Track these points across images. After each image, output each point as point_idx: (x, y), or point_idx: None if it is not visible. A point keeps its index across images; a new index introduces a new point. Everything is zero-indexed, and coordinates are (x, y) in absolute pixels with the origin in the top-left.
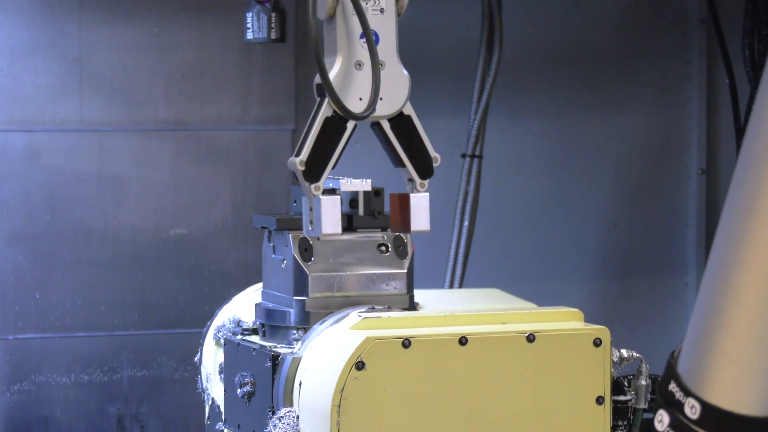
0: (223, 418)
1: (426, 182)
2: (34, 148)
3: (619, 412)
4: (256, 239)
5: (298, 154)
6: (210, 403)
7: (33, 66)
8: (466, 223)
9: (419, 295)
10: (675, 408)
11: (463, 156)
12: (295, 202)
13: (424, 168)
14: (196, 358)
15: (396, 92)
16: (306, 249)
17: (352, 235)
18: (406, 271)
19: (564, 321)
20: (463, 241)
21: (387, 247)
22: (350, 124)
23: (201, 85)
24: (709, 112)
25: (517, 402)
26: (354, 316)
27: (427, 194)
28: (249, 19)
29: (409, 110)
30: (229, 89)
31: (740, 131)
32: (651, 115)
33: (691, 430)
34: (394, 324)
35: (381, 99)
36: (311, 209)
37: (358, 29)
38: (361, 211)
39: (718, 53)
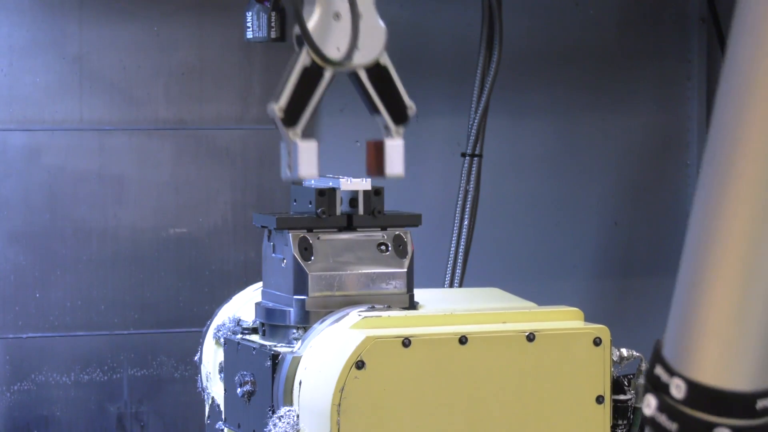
0: (223, 417)
1: (401, 129)
2: (34, 148)
3: (619, 411)
4: (256, 238)
5: (276, 101)
6: (210, 402)
7: (33, 65)
8: (466, 223)
9: (419, 294)
10: (661, 391)
11: (463, 155)
12: (295, 201)
13: (399, 116)
14: (196, 358)
15: (373, 42)
16: (306, 248)
17: (352, 234)
18: (406, 270)
19: (564, 320)
20: (463, 240)
21: (387, 246)
22: (328, 73)
23: (201, 84)
24: (709, 111)
25: (517, 401)
26: (354, 315)
27: (402, 141)
28: (249, 19)
29: (385, 60)
30: (229, 88)
31: None
32: (651, 114)
33: (678, 411)
34: (394, 323)
35: (358, 49)
36: (289, 154)
37: None
38: (361, 210)
39: (718, 52)
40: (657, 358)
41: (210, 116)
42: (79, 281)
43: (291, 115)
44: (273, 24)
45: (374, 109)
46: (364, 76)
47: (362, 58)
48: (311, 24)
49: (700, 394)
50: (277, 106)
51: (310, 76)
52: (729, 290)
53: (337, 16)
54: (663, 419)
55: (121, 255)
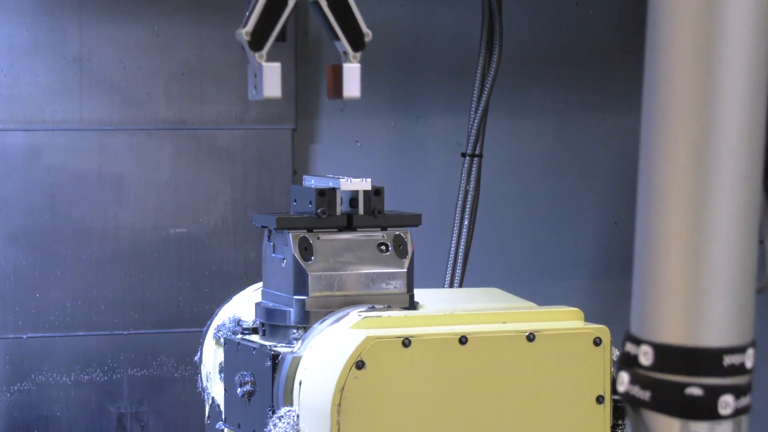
0: (223, 417)
1: (358, 54)
2: (34, 147)
3: (619, 411)
4: (256, 238)
5: (244, 26)
6: (210, 402)
7: (33, 65)
8: (466, 223)
9: (419, 294)
10: (632, 365)
11: (463, 155)
12: (295, 201)
13: (357, 42)
14: (196, 358)
15: None
16: (306, 248)
17: (352, 234)
18: (406, 270)
19: (564, 320)
20: (463, 240)
21: (387, 246)
22: (291, 1)
23: (201, 84)
24: None
25: (517, 401)
26: (354, 315)
27: (359, 65)
28: None
29: None
30: (229, 88)
31: None
32: None
33: (649, 378)
34: (394, 323)
35: None
36: (255, 76)
37: None
38: (361, 210)
39: None
40: (626, 335)
41: (210, 116)
42: (79, 281)
43: (257, 40)
44: None
45: (334, 36)
46: (324, 4)
47: None
48: None
49: (667, 356)
50: (245, 31)
51: (275, 3)
52: (681, 248)
53: None
54: (636, 390)
55: (121, 255)
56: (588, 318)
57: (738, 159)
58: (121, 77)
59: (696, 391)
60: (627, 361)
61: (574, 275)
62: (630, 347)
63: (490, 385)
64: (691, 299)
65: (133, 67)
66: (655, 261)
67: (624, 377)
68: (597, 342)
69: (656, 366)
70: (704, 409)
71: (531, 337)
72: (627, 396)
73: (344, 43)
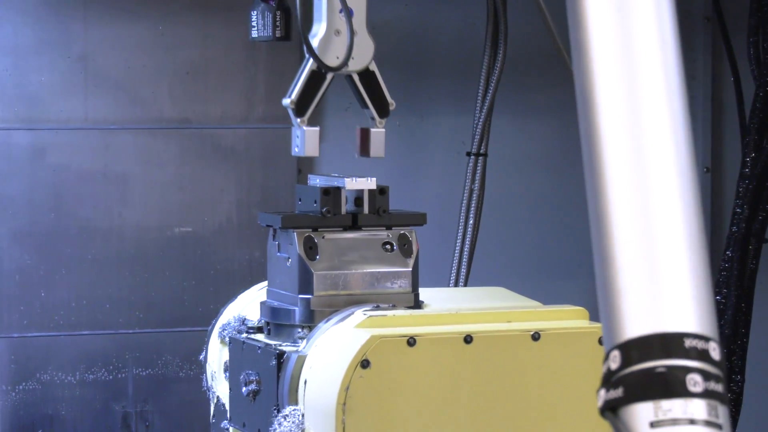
0: (228, 416)
1: (384, 120)
2: (39, 147)
3: None
4: (261, 237)
5: (289, 96)
6: (215, 401)
7: (37, 64)
8: (471, 222)
9: (424, 293)
10: (607, 377)
11: (468, 154)
12: (300, 200)
13: (382, 110)
14: (201, 357)
15: (364, 53)
16: (311, 247)
17: (356, 233)
18: (411, 269)
19: (569, 319)
20: (468, 239)
21: (392, 245)
22: (329, 76)
23: (205, 83)
24: (714, 111)
25: (522, 400)
26: (359, 314)
27: (384, 130)
28: (253, 18)
29: (373, 67)
30: (234, 88)
31: (745, 130)
32: None
33: (619, 376)
34: (399, 322)
35: (353, 58)
36: (298, 137)
37: (338, 5)
38: (366, 209)
39: (723, 51)
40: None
41: (215, 115)
42: (83, 280)
43: (300, 107)
44: (278, 23)
45: (364, 105)
46: (356, 79)
47: (355, 65)
48: (317, 39)
49: (632, 349)
50: (290, 100)
51: (316, 77)
52: (621, 244)
53: (337, 32)
54: (611, 394)
55: (126, 254)
56: (593, 317)
57: (676, 153)
58: (125, 76)
59: (662, 370)
60: (602, 380)
61: (579, 274)
62: (604, 366)
63: (495, 384)
64: (646, 293)
65: (138, 67)
66: (608, 266)
67: (601, 392)
68: (602, 341)
69: (624, 363)
70: (674, 385)
71: (536, 336)
72: (605, 405)
73: (372, 111)
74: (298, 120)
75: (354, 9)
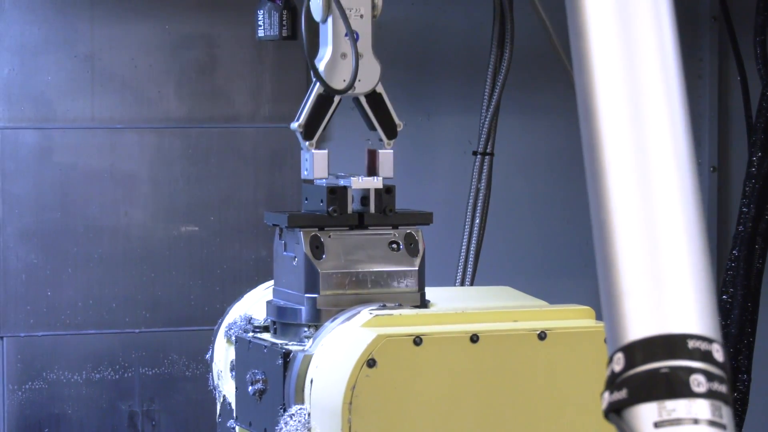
0: (234, 415)
1: (392, 142)
2: (46, 146)
3: None
4: (268, 237)
5: (297, 120)
6: (221, 400)
7: (44, 63)
8: (477, 221)
9: (430, 292)
10: (609, 378)
11: (475, 153)
12: (307, 199)
13: (390, 131)
14: (207, 356)
15: (370, 76)
16: (317, 246)
17: (363, 232)
18: (417, 268)
19: (575, 319)
20: (474, 238)
21: (398, 244)
22: (336, 98)
23: (212, 82)
24: (721, 110)
25: (529, 399)
26: (365, 313)
27: (392, 151)
28: (260, 17)
29: (380, 89)
30: (241, 87)
31: (752, 129)
32: None
33: (622, 378)
34: (405, 321)
35: (359, 81)
36: (306, 160)
37: (343, 29)
38: (372, 208)
39: (730, 51)
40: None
41: (221, 114)
42: (90, 280)
43: (308, 130)
44: (284, 22)
45: (371, 127)
46: (363, 101)
47: (362, 88)
48: (323, 62)
49: (635, 351)
50: (298, 124)
51: (323, 101)
52: (631, 248)
53: (343, 56)
54: (614, 396)
55: (133, 253)
56: (599, 316)
57: (677, 157)
58: (132, 75)
59: (666, 371)
60: (606, 383)
61: (585, 274)
62: (607, 369)
63: (502, 383)
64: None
65: (145, 66)
66: (610, 269)
67: (605, 395)
68: None
69: (628, 365)
70: (677, 386)
71: (542, 336)
72: (609, 408)
73: (380, 133)
74: (307, 143)
75: (359, 32)
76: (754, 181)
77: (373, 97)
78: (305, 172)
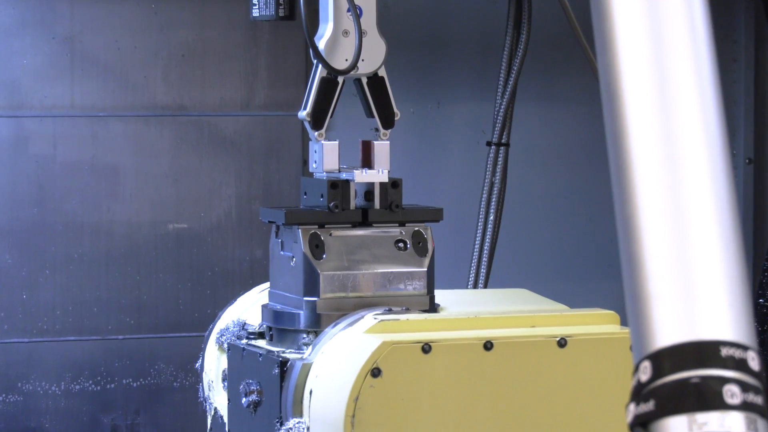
0: (226, 429)
1: (388, 132)
2: (21, 136)
3: None
4: (263, 235)
5: (304, 109)
6: (212, 413)
7: (20, 46)
8: (491, 217)
9: (440, 295)
10: (634, 388)
11: (489, 144)
12: (306, 194)
13: (388, 121)
14: (197, 365)
15: (374, 56)
16: (317, 245)
17: (367, 230)
18: (426, 269)
19: (599, 324)
20: (488, 236)
21: (405, 243)
22: (341, 80)
23: (203, 67)
24: (757, 97)
25: (548, 412)
26: (369, 318)
27: (388, 142)
28: None
29: (383, 73)
30: (234, 71)
31: None
32: None
33: (650, 389)
34: (412, 327)
35: (362, 60)
36: (315, 152)
37: (345, 4)
38: (377, 204)
39: (767, 32)
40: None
41: (212, 102)
42: (69, 281)
43: (316, 120)
44: (281, 1)
45: (369, 113)
46: (364, 82)
47: (365, 68)
48: (324, 40)
49: (664, 359)
50: (306, 113)
51: (327, 84)
52: (660, 252)
53: (345, 33)
54: (641, 408)
55: (116, 253)
56: (625, 322)
57: (710, 152)
58: (115, 59)
59: (697, 381)
60: (632, 393)
61: (609, 275)
62: (633, 378)
63: (518, 395)
64: (678, 298)
65: (129, 49)
66: (636, 270)
67: (631, 407)
68: None
69: (655, 374)
70: (709, 397)
71: (562, 343)
72: (636, 419)
73: (377, 121)
74: (316, 134)
75: (362, 7)
76: None
77: (375, 80)
78: (314, 165)
